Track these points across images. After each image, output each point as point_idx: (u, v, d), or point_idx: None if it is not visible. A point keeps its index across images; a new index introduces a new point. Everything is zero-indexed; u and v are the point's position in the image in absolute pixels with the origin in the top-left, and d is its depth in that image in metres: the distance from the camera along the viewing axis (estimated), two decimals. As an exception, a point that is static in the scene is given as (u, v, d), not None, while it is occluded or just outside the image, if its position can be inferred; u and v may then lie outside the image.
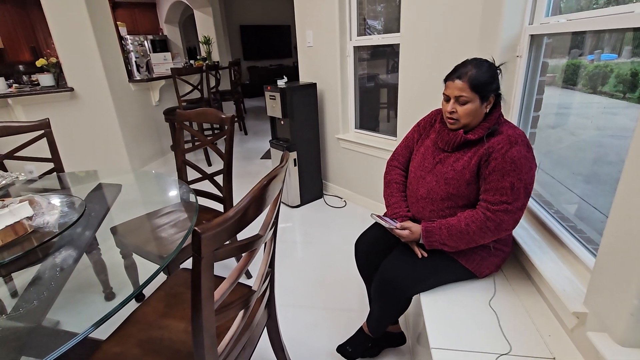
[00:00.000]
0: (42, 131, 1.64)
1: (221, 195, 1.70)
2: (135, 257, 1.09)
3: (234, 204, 1.68)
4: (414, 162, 1.26)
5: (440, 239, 1.09)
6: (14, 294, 0.88)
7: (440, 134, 1.17)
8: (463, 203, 1.12)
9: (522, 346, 0.92)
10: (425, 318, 1.03)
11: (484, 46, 1.58)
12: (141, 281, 0.88)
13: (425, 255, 1.14)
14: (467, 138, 1.09)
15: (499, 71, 1.09)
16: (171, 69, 3.54)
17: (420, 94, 2.05)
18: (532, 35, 1.33)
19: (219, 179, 1.69)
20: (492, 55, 1.45)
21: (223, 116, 1.59)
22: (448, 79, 1.09)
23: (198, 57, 5.60)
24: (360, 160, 2.63)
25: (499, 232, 1.05)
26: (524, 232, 1.26)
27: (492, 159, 1.03)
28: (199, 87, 3.75)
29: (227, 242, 0.64)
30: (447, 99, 1.10)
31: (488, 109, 1.08)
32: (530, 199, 1.38)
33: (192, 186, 1.65)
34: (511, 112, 1.45)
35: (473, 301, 1.09)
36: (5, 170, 2.56)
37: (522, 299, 1.09)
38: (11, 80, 3.33)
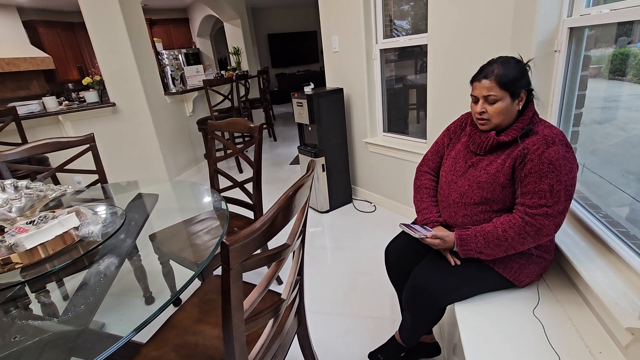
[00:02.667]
0: (88, 145, 1.76)
1: (251, 202, 1.73)
2: (172, 263, 1.14)
3: (264, 211, 1.72)
4: (445, 166, 1.22)
5: (476, 247, 1.04)
6: (65, 297, 0.95)
7: (472, 137, 1.13)
8: (498, 207, 1.07)
9: (568, 363, 0.86)
10: (461, 330, 0.99)
11: (517, 42, 1.50)
12: (178, 286, 0.92)
13: (459, 263, 1.09)
14: (500, 140, 1.04)
15: (527, 67, 1.04)
16: (203, 80, 3.69)
17: (450, 95, 1.99)
18: (571, 28, 1.25)
19: (250, 186, 1.73)
20: (526, 51, 1.38)
21: (251, 125, 1.63)
22: (474, 79, 1.06)
23: (228, 67, 5.80)
24: (389, 164, 2.59)
25: (539, 237, 0.99)
26: (567, 239, 1.18)
27: (527, 161, 0.98)
28: (230, 96, 3.87)
29: (257, 252, 0.65)
30: (475, 100, 1.07)
31: (520, 106, 1.03)
32: (573, 202, 1.29)
33: (224, 194, 1.70)
34: (550, 110, 1.37)
35: (512, 312, 1.03)
36: (58, 181, 2.78)
37: (567, 310, 1.02)
38: (62, 98, 3.63)
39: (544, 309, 1.03)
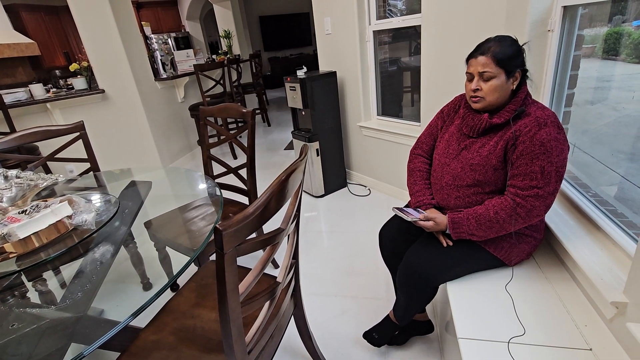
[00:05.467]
0: (78, 133, 1.74)
1: (246, 188, 1.73)
2: (168, 249, 1.15)
3: (258, 196, 1.72)
4: (438, 149, 1.23)
5: (468, 229, 1.06)
6: (62, 285, 0.96)
7: (465, 119, 1.13)
8: (490, 189, 1.08)
9: (556, 337, 0.89)
10: (452, 308, 1.02)
11: (511, 22, 1.48)
12: (175, 271, 0.93)
13: (451, 244, 1.12)
14: (493, 122, 1.05)
15: (523, 50, 1.04)
16: (194, 65, 3.61)
17: (444, 77, 1.98)
18: (564, 7, 1.24)
19: (244, 172, 1.73)
20: (520, 31, 1.37)
21: (244, 110, 1.61)
22: (471, 57, 1.06)
23: (220, 51, 5.67)
24: (383, 147, 2.59)
25: (530, 218, 1.01)
26: (557, 218, 1.20)
27: (519, 143, 0.99)
28: (222, 81, 3.81)
29: (251, 236, 0.66)
30: (470, 77, 1.07)
31: (515, 86, 1.03)
32: (563, 182, 1.31)
33: (218, 180, 1.70)
34: (542, 90, 1.37)
35: (502, 290, 1.06)
36: (49, 170, 2.75)
37: (555, 287, 1.05)
38: (49, 85, 3.54)
39: (533, 287, 1.06)
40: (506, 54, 1.00)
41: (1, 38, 4.81)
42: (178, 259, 1.03)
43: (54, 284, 0.97)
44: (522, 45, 1.05)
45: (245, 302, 0.73)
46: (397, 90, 2.78)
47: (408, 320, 1.29)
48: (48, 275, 0.98)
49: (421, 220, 1.13)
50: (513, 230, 1.05)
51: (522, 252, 1.12)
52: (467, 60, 1.07)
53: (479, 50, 1.04)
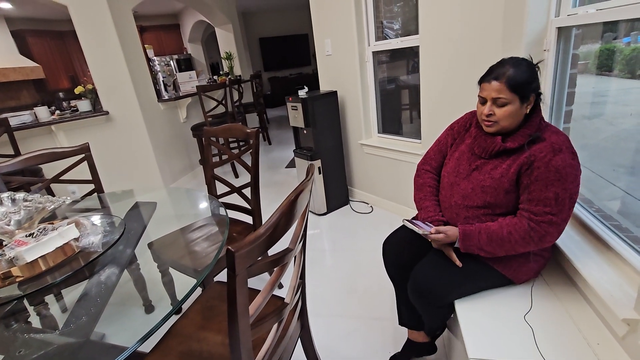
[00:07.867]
0: (83, 155, 1.75)
1: (249, 207, 1.74)
2: (171, 270, 1.14)
3: (262, 215, 1.72)
4: (447, 167, 1.22)
5: (478, 243, 1.05)
6: (64, 309, 0.95)
7: (477, 139, 1.12)
8: (501, 211, 1.08)
9: (568, 356, 0.88)
10: (462, 326, 1.00)
11: (507, 42, 1.53)
12: (178, 293, 0.92)
13: (460, 265, 1.10)
14: (507, 146, 1.04)
15: (537, 69, 1.03)
16: (196, 86, 3.68)
17: (443, 96, 2.02)
18: (559, 28, 1.28)
19: (247, 191, 1.73)
20: (516, 51, 1.41)
21: (248, 131, 1.63)
22: (483, 80, 1.05)
23: (221, 72, 5.79)
24: (384, 164, 2.61)
25: (542, 243, 1.00)
26: (564, 235, 1.19)
27: (534, 168, 0.97)
28: (223, 101, 3.87)
29: (259, 258, 0.66)
30: (483, 101, 1.05)
31: (528, 110, 1.02)
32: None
33: (221, 199, 1.70)
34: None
35: (511, 308, 1.05)
36: (52, 192, 2.75)
37: (565, 305, 1.04)
38: (53, 107, 3.60)
39: (543, 305, 1.05)
40: (521, 80, 0.97)
41: (7, 62, 4.92)
42: (182, 281, 1.02)
43: (56, 308, 0.96)
44: (537, 63, 1.03)
45: (255, 324, 0.72)
46: (396, 108, 2.82)
47: (435, 332, 1.29)
48: (51, 299, 0.97)
49: (432, 233, 1.11)
50: (522, 252, 1.04)
51: (531, 271, 1.11)
52: (480, 83, 1.06)
53: (492, 74, 1.02)
